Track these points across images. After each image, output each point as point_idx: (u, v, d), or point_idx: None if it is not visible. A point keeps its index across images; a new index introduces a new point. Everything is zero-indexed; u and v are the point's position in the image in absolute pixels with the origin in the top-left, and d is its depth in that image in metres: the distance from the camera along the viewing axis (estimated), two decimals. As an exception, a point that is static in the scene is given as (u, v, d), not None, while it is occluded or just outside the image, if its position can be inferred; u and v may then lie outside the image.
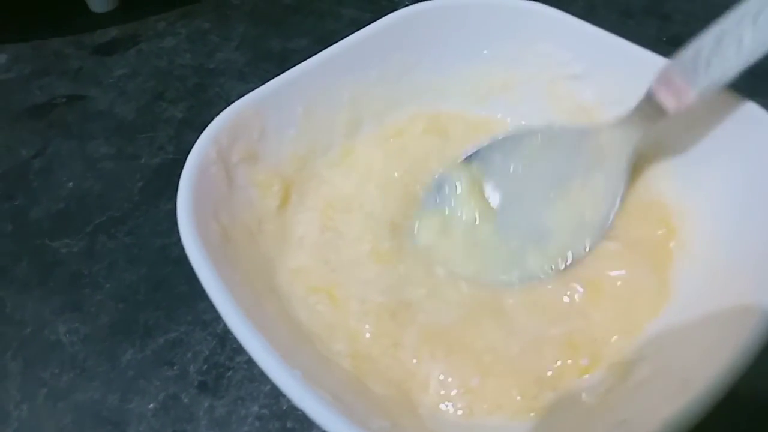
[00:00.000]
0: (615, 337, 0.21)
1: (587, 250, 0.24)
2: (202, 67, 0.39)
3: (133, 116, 0.36)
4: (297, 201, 0.26)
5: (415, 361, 0.21)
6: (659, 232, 0.23)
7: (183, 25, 0.42)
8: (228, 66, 0.39)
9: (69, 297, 0.27)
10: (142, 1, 0.44)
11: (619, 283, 0.22)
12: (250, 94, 0.24)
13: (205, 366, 0.24)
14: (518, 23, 0.27)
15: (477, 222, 0.25)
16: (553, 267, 0.24)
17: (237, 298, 0.18)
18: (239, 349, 0.25)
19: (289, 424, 0.22)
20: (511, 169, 0.26)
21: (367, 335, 0.22)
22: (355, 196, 0.26)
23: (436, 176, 0.26)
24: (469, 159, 0.26)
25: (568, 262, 0.24)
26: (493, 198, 0.26)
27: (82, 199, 0.31)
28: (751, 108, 0.22)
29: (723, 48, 0.21)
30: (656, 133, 0.24)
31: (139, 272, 0.28)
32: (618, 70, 0.25)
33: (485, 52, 0.28)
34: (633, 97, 0.25)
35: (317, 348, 0.21)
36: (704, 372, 0.16)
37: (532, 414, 0.20)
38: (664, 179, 0.24)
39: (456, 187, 0.26)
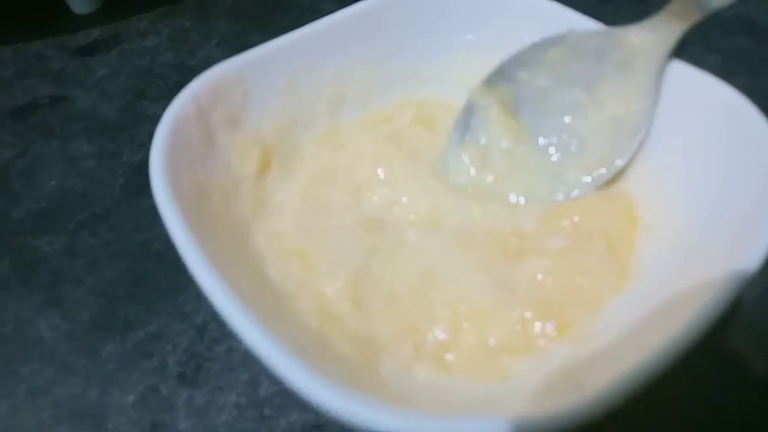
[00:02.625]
0: (578, 310, 0.21)
1: (632, 153, 0.23)
2: (183, 65, 0.39)
3: (115, 115, 0.36)
4: (278, 169, 0.26)
5: (379, 321, 0.21)
6: (620, 222, 0.23)
7: (165, 24, 0.42)
8: (209, 63, 0.37)
9: (50, 294, 0.27)
10: (124, 2, 0.44)
11: (573, 271, 0.22)
12: (232, 58, 0.24)
13: (185, 357, 0.24)
14: (502, 8, 0.27)
15: (515, 145, 0.25)
16: (594, 176, 0.23)
17: (204, 246, 0.18)
18: (218, 340, 0.25)
19: (266, 412, 0.22)
20: (538, 83, 0.25)
21: (333, 295, 0.22)
22: (343, 171, 0.27)
23: (463, 106, 0.26)
24: (492, 80, 0.25)
25: (611, 170, 0.23)
26: (525, 116, 0.25)
27: (64, 197, 0.32)
28: (717, 87, 0.22)
29: None
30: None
31: (120, 267, 0.28)
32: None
33: (470, 37, 0.28)
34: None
35: (284, 304, 0.21)
36: (658, 338, 0.15)
37: (495, 377, 0.20)
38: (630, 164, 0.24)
39: (486, 114, 0.25)
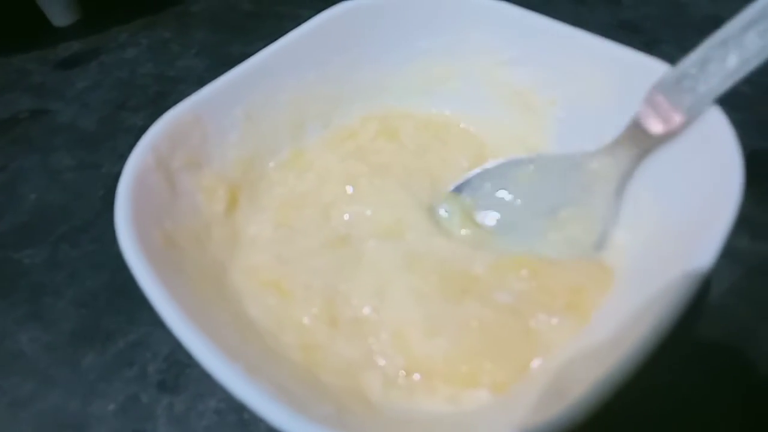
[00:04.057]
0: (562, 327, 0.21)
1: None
2: (162, 76, 0.39)
3: (95, 127, 0.36)
4: (247, 203, 0.26)
5: (363, 347, 0.21)
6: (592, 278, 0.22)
7: (144, 35, 0.43)
8: (188, 73, 0.39)
9: (32, 306, 0.27)
10: (105, 14, 0.44)
11: (514, 329, 0.21)
12: (187, 99, 0.24)
13: (165, 365, 0.25)
14: (451, 13, 0.27)
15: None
16: None
17: (180, 301, 0.18)
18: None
19: (245, 416, 0.23)
20: (502, 197, 0.26)
21: (311, 323, 0.22)
22: (312, 193, 0.27)
23: (429, 208, 0.26)
24: (459, 189, 0.26)
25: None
26: (488, 223, 0.26)
27: (45, 210, 0.32)
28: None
29: (708, 70, 0.21)
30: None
31: (101, 278, 0.28)
32: (549, 51, 0.26)
33: (423, 43, 0.28)
34: (567, 78, 0.25)
35: (267, 343, 0.21)
36: (632, 334, 0.16)
37: (481, 392, 0.20)
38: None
39: (448, 216, 0.26)
